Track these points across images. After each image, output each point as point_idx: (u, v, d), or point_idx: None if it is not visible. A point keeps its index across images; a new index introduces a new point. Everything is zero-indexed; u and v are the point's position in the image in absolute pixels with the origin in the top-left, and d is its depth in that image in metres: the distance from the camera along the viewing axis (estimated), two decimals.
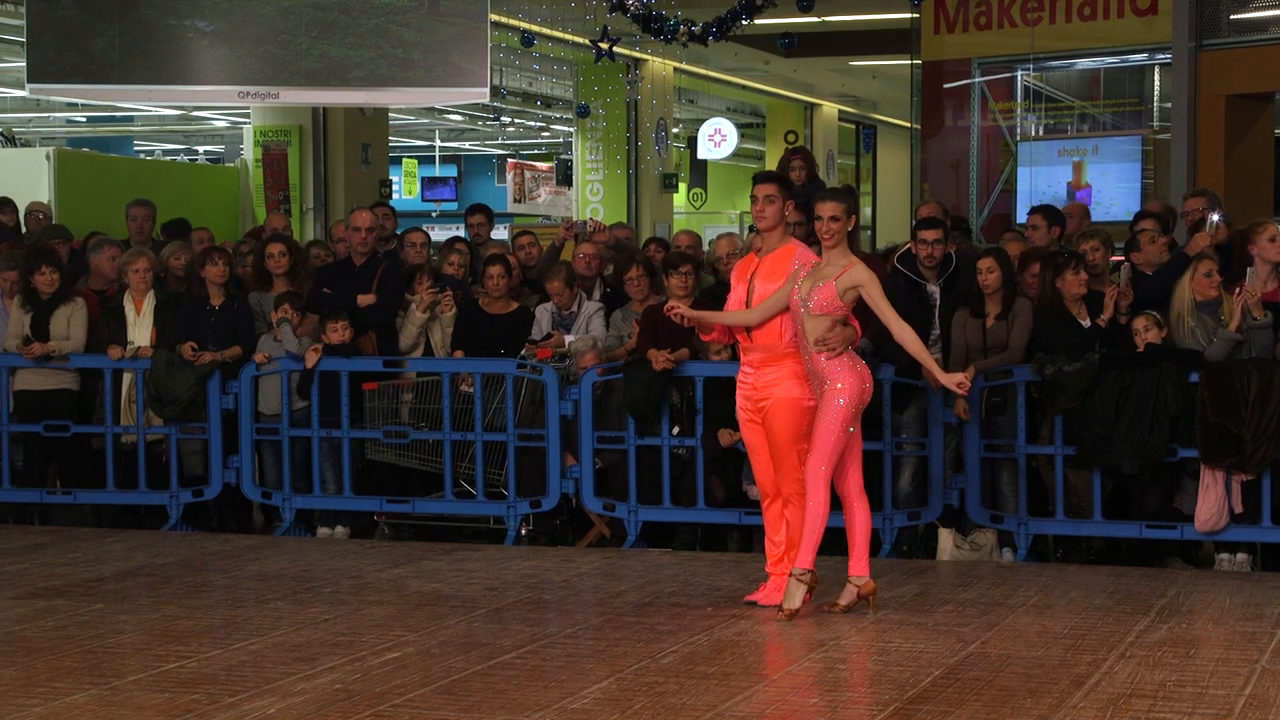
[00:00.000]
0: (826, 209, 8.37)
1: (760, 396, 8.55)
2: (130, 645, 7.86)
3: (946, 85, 18.69)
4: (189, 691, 6.89)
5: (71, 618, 8.44)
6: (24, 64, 15.78)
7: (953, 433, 10.42)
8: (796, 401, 8.44)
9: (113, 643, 7.90)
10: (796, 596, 8.29)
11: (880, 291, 8.33)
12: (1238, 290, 9.92)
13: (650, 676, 7.14)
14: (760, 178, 8.76)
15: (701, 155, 31.54)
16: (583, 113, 26.52)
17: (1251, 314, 9.82)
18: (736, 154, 32.02)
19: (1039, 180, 17.68)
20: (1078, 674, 7.13)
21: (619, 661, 7.42)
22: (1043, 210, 12.04)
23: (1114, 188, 17.17)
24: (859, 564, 8.48)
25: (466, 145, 39.57)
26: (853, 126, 35.55)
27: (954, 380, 8.41)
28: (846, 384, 8.26)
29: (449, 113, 32.19)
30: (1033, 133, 18.92)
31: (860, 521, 8.46)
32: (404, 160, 36.14)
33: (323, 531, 11.37)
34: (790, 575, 8.36)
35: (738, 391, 8.74)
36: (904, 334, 8.35)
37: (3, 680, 7.08)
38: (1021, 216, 17.11)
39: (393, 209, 13.28)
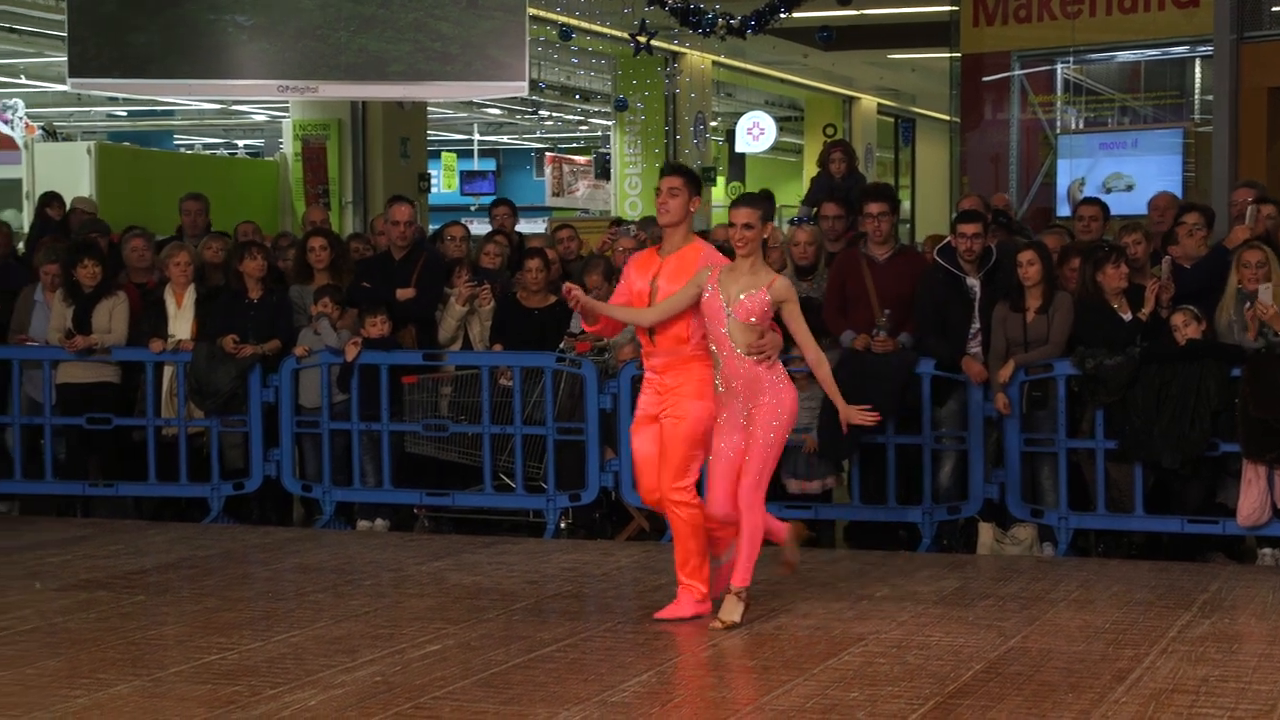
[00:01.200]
0: (740, 215, 7.98)
1: (665, 403, 8.11)
2: (172, 637, 7.90)
3: (986, 78, 18.63)
4: (230, 683, 6.92)
5: (114, 609, 8.48)
6: (65, 58, 15.84)
7: (993, 427, 10.39)
8: (704, 412, 8.02)
9: (155, 634, 7.94)
10: (737, 611, 8.01)
11: (798, 310, 8.01)
12: (1248, 305, 9.86)
13: (690, 669, 7.15)
14: (666, 170, 8.32)
15: (740, 149, 31.55)
16: (621, 106, 26.53)
17: (1272, 330, 9.75)
18: (775, 147, 32.03)
19: (1078, 174, 17.63)
20: (1119, 669, 7.10)
21: (659, 655, 7.43)
22: (1095, 202, 12.01)
23: (1154, 181, 17.10)
24: (745, 573, 8.05)
25: (505, 139, 39.64)
26: (891, 120, 35.48)
27: (856, 415, 8.07)
28: (784, 403, 7.97)
29: (487, 106, 32.25)
30: (1073, 126, 18.86)
31: (749, 531, 8.02)
32: (443, 154, 36.19)
33: (362, 524, 11.40)
34: (729, 593, 8.04)
35: (643, 392, 8.27)
36: (817, 356, 8.05)
37: (47, 671, 7.12)
38: (1062, 209, 17.08)
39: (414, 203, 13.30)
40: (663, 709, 6.52)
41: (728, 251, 8.36)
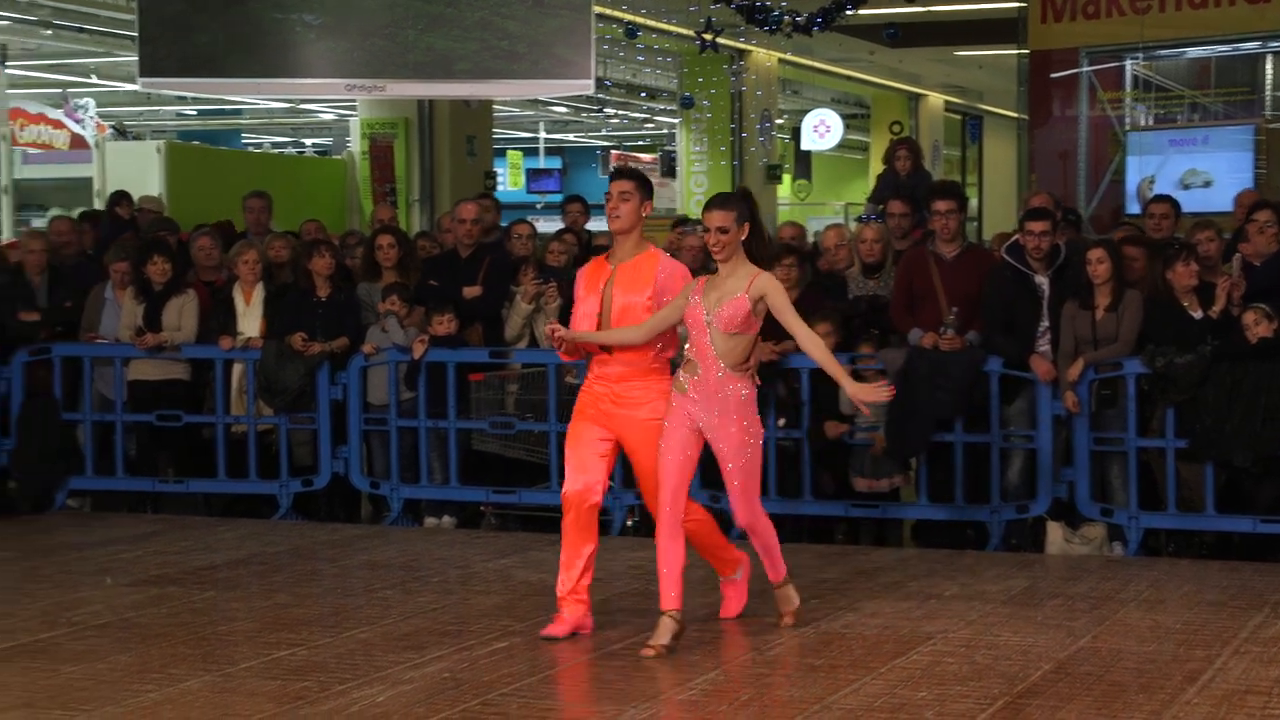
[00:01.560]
0: (714, 219, 7.48)
1: (620, 411, 7.71)
2: (242, 632, 7.95)
3: (1054, 75, 18.51)
4: (299, 679, 6.96)
5: (184, 605, 8.55)
6: (136, 58, 15.97)
7: (1061, 425, 10.33)
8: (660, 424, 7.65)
9: (225, 630, 7.99)
10: (794, 598, 7.95)
11: (786, 300, 7.54)
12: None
13: (757, 668, 7.14)
14: (616, 173, 7.92)
15: (806, 146, 31.47)
16: (687, 104, 26.51)
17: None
18: (841, 145, 31.94)
19: (1147, 171, 17.51)
20: (1191, 670, 7.05)
21: (726, 653, 7.43)
22: (1165, 200, 11.93)
23: (1225, 178, 16.96)
24: (677, 597, 7.61)
25: (571, 137, 39.71)
26: (958, 117, 35.32)
27: (866, 392, 7.54)
28: (756, 425, 7.62)
29: (553, 105, 32.31)
30: (1142, 122, 18.72)
31: (681, 554, 7.65)
32: (508, 152, 36.30)
33: (430, 521, 11.44)
34: (777, 590, 7.97)
35: (585, 389, 7.87)
36: (811, 343, 7.55)
37: (119, 666, 7.18)
38: (1132, 207, 16.96)
39: (497, 201, 13.34)
40: (730, 707, 6.51)
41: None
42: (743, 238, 7.54)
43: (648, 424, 7.68)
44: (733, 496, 7.72)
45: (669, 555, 7.57)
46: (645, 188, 7.77)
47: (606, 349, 7.74)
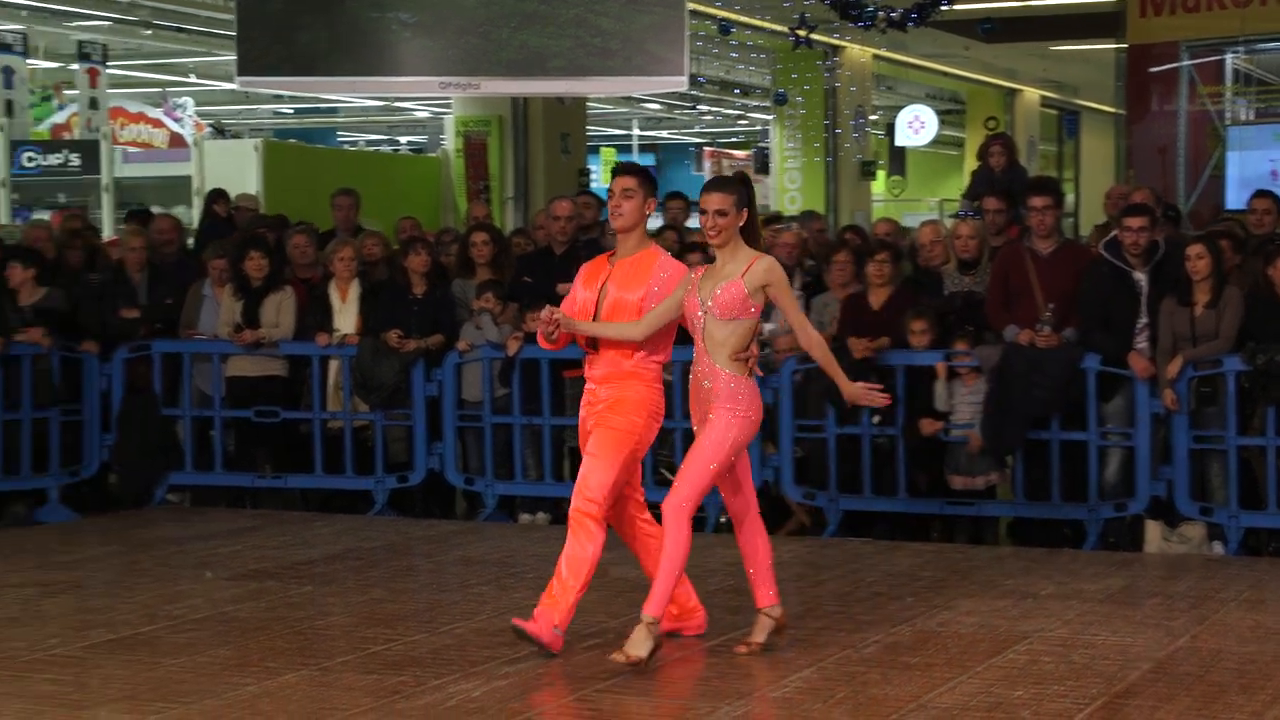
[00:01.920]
0: (711, 202, 7.19)
1: (599, 412, 7.48)
2: (339, 627, 8.01)
3: (1153, 69, 18.33)
4: (396, 673, 7.00)
5: (282, 599, 8.62)
6: (234, 57, 16.12)
7: (1160, 423, 10.22)
8: (631, 427, 7.40)
9: (322, 624, 8.05)
10: (645, 646, 7.01)
11: (788, 289, 7.29)
12: None
13: (852, 666, 7.11)
14: (618, 169, 7.67)
15: (900, 142, 31.32)
16: (780, 100, 26.46)
17: None
18: (936, 141, 31.75)
19: (1248, 166, 17.30)
20: None
21: (820, 651, 7.40)
22: (1268, 195, 11.79)
23: None
24: (769, 592, 7.46)
25: (664, 134, 39.72)
26: (1055, 112, 35.03)
27: (862, 394, 7.39)
28: (741, 413, 7.18)
29: (647, 101, 32.34)
30: (1243, 117, 18.49)
31: (765, 547, 7.46)
32: (602, 149, 36.36)
33: (524, 518, 11.48)
34: (640, 622, 7.08)
35: (583, 404, 7.63)
36: (810, 338, 7.33)
37: (218, 659, 7.26)
38: (1232, 202, 16.76)
39: (597, 197, 13.36)
40: (824, 705, 6.49)
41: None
42: (741, 223, 7.25)
43: (606, 420, 7.38)
44: (679, 474, 7.21)
45: (752, 551, 7.44)
46: (649, 184, 7.56)
47: (594, 347, 7.51)
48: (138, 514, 11.73)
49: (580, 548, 7.31)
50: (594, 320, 7.49)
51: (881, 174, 32.04)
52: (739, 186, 7.31)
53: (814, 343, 7.35)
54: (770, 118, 28.52)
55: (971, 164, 16.51)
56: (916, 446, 10.60)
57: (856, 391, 7.39)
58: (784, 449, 10.84)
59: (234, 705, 6.52)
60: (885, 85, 31.27)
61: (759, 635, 7.41)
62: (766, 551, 7.48)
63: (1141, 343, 10.24)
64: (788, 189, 26.89)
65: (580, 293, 7.60)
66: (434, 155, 23.59)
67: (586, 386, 7.62)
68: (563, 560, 7.32)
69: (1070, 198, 32.76)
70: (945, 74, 30.86)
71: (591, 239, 12.38)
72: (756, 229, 7.41)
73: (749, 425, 7.23)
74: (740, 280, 7.16)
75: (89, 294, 12.11)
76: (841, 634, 7.73)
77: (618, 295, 7.47)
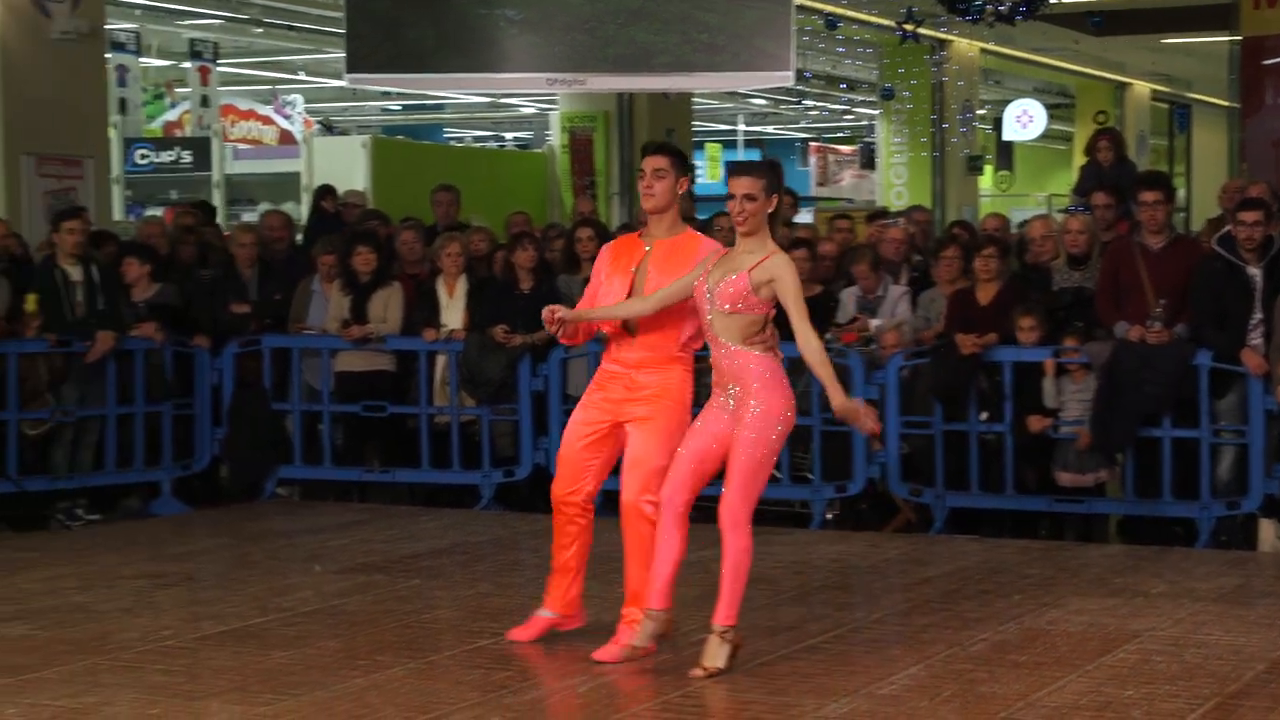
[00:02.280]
0: (740, 186, 6.82)
1: (631, 397, 7.22)
2: (446, 621, 8.05)
3: (1266, 61, 18.06)
4: (503, 668, 7.03)
5: (390, 592, 8.68)
6: (343, 55, 16.26)
7: (1275, 420, 10.07)
8: (681, 415, 7.19)
9: (429, 618, 8.10)
10: (721, 656, 6.89)
11: (797, 288, 6.86)
12: None
13: (959, 664, 7.06)
14: (650, 148, 7.34)
15: (1008, 137, 31.09)
16: (887, 95, 26.35)
17: None
18: (1045, 135, 31.53)
19: None
20: None
21: (927, 648, 7.35)
22: None
23: None
24: (730, 609, 6.97)
25: (769, 129, 39.63)
26: (1166, 106, 34.61)
27: (851, 412, 6.93)
28: (771, 411, 6.86)
29: (752, 97, 32.25)
30: None
31: (734, 556, 6.98)
32: (707, 145, 36.32)
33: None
34: (712, 634, 6.93)
35: (599, 374, 7.39)
36: (809, 344, 6.85)
37: (326, 652, 7.31)
38: None
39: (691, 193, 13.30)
40: (931, 703, 6.45)
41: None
42: (770, 209, 6.87)
43: (653, 412, 7.17)
44: (727, 486, 6.90)
45: (729, 560, 6.96)
46: (681, 164, 7.23)
47: (630, 330, 7.23)
48: (248, 507, 11.85)
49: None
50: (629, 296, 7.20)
51: (989, 169, 31.81)
52: (769, 171, 6.93)
53: (812, 349, 6.86)
54: (877, 112, 28.41)
55: (1080, 159, 16.36)
56: (1025, 443, 10.51)
57: (849, 407, 6.93)
58: (890, 446, 10.78)
59: (342, 697, 6.57)
60: (993, 79, 31.04)
61: (717, 659, 6.90)
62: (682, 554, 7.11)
63: (1255, 339, 10.09)
64: (894, 184, 26.76)
65: (608, 279, 7.30)
66: (540, 151, 23.67)
67: (611, 369, 7.30)
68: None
69: (1181, 192, 32.35)
70: (1054, 68, 30.57)
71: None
72: (780, 219, 7.16)
73: (779, 410, 6.89)
74: (747, 274, 6.82)
75: (201, 289, 12.26)
76: (949, 631, 7.68)
77: (658, 279, 7.15)
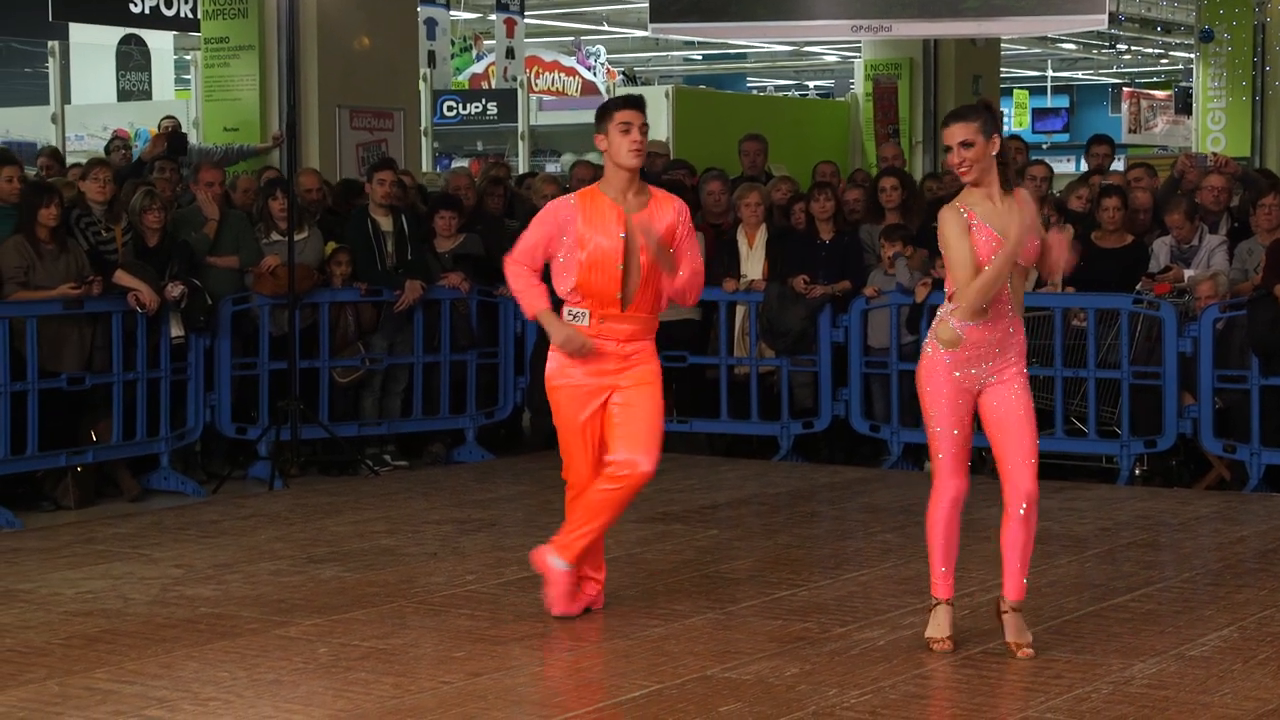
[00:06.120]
0: (954, 134, 6.26)
1: (625, 368, 6.98)
2: (744, 571, 8.04)
3: None
4: (800, 619, 6.99)
5: (688, 542, 8.71)
6: (646, 5, 16.31)
7: None
8: (659, 374, 7.03)
9: (727, 568, 8.10)
10: (1026, 631, 6.48)
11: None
12: None
13: (1276, 627, 6.81)
14: (624, 102, 6.90)
15: None
16: (1206, 38, 25.49)
17: None
18: None
19: None
20: None
21: (1240, 610, 7.10)
22: None
23: None
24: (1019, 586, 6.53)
25: (1079, 75, 38.69)
26: None
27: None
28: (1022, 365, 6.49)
29: (1062, 42, 31.53)
30: None
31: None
32: (1014, 91, 35.64)
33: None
34: (1007, 611, 6.50)
35: (585, 372, 7.04)
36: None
37: (625, 600, 7.37)
38: None
39: (1022, 142, 13.07)
40: (1245, 665, 6.22)
41: None
42: (994, 152, 6.29)
43: (647, 378, 7.01)
44: (1031, 457, 6.44)
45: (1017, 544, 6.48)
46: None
47: (623, 302, 6.85)
48: (548, 454, 11.98)
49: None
50: (623, 266, 6.81)
51: None
52: (983, 112, 6.36)
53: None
54: (1194, 56, 27.49)
55: None
56: None
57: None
58: (1204, 400, 10.43)
59: (641, 645, 6.61)
60: None
61: (1026, 634, 6.51)
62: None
63: None
64: (1211, 130, 25.89)
65: (594, 238, 6.81)
66: (842, 100, 23.46)
67: (602, 346, 6.94)
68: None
69: None
70: None
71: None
72: (1010, 163, 6.69)
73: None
74: (1034, 223, 6.31)
75: (508, 240, 12.40)
76: (1264, 593, 7.41)
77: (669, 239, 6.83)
